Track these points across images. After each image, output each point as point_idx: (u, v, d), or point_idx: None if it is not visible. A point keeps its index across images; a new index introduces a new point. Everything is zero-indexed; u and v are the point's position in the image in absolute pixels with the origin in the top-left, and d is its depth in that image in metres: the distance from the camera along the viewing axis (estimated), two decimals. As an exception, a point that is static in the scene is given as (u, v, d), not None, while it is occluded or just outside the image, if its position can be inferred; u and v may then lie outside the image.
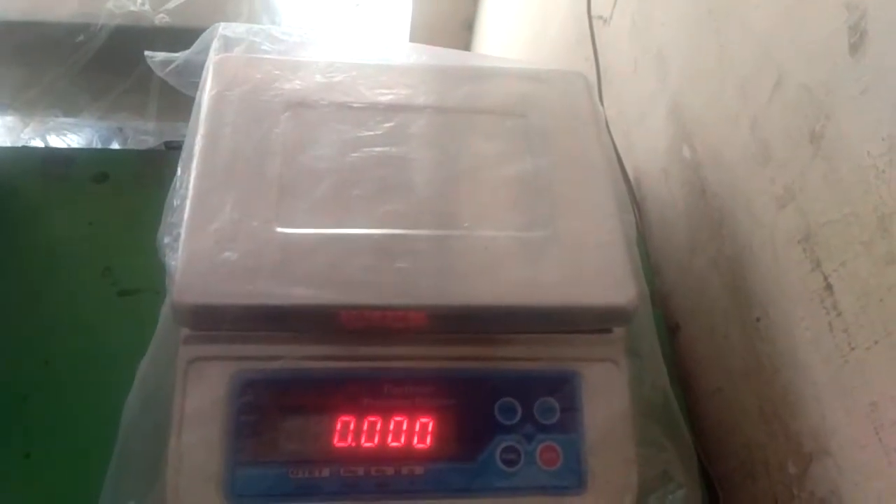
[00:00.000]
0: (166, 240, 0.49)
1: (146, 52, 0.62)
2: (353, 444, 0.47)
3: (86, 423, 0.54)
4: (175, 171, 0.52)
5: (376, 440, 0.47)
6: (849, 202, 0.47)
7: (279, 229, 0.48)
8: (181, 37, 0.62)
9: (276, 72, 0.56)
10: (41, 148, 1.23)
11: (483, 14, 2.04)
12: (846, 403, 0.48)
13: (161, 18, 1.09)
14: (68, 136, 1.30)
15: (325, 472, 0.46)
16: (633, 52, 0.84)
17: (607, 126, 0.63)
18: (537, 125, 0.57)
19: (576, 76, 0.61)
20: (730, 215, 0.63)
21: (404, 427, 0.48)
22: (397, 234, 0.49)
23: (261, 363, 0.47)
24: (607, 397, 0.50)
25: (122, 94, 1.15)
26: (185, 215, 0.48)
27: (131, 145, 1.28)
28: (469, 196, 0.53)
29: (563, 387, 0.50)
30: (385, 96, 0.56)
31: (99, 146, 1.29)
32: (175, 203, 0.50)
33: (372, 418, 0.47)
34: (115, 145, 1.31)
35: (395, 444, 0.47)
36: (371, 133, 0.54)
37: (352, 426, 0.47)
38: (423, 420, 0.48)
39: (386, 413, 0.48)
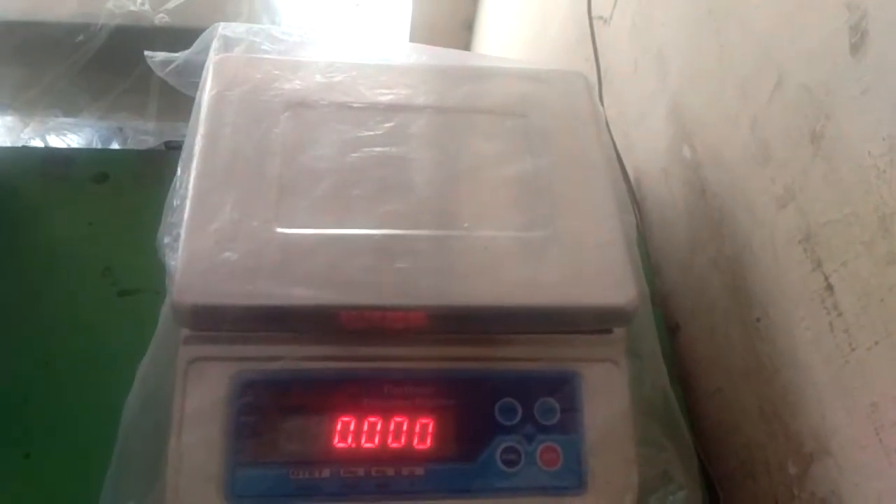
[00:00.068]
0: (166, 240, 0.49)
1: (146, 52, 0.62)
2: (354, 445, 0.47)
3: (86, 423, 0.54)
4: (175, 171, 0.52)
5: (376, 441, 0.47)
6: (849, 202, 0.47)
7: (279, 229, 0.48)
8: (181, 37, 0.62)
9: (276, 72, 0.56)
10: (41, 148, 1.23)
11: (483, 14, 2.04)
12: (847, 404, 0.48)
13: (161, 18, 1.09)
14: (68, 136, 1.30)
15: (326, 473, 0.46)
16: (633, 52, 0.84)
17: (607, 126, 0.63)
18: (537, 125, 0.56)
19: (576, 76, 0.61)
20: (730, 215, 0.62)
21: (404, 427, 0.48)
22: (397, 235, 0.49)
23: (261, 363, 0.47)
24: (607, 397, 0.50)
25: (122, 93, 1.15)
26: (185, 215, 0.48)
27: (131, 145, 1.28)
28: (469, 196, 0.53)
29: (563, 387, 0.50)
30: (385, 96, 0.56)
31: (99, 146, 1.29)
32: (175, 203, 0.50)
33: (372, 419, 0.47)
34: (115, 145, 1.31)
35: (395, 444, 0.47)
36: (371, 133, 0.54)
37: (352, 427, 0.47)
38: (424, 420, 0.48)
39: (386, 413, 0.48)
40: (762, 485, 0.58)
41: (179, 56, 0.61)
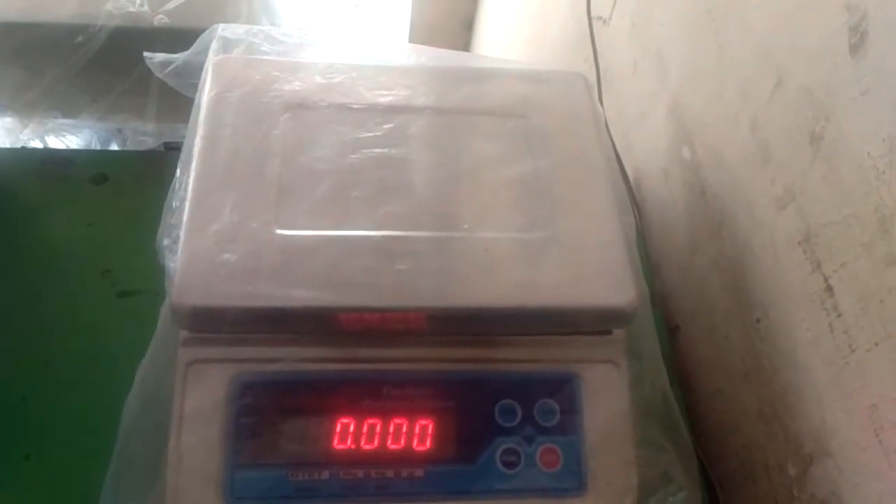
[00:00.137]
0: (166, 241, 0.49)
1: (145, 54, 0.62)
2: (353, 447, 0.47)
3: (85, 424, 0.54)
4: (174, 172, 0.52)
5: (376, 442, 0.47)
6: (849, 203, 0.47)
7: (279, 231, 0.48)
8: (180, 38, 0.62)
9: (276, 73, 0.56)
10: (40, 149, 1.23)
11: (482, 14, 2.04)
12: (846, 405, 0.48)
13: (160, 19, 1.09)
14: (67, 138, 1.29)
15: (325, 474, 0.46)
16: (632, 53, 0.84)
17: (607, 127, 0.63)
18: (537, 126, 0.56)
19: (575, 77, 0.61)
20: (730, 216, 0.62)
21: (404, 429, 0.48)
22: (397, 236, 0.49)
23: (260, 365, 0.47)
24: (607, 399, 0.50)
25: (122, 95, 1.15)
26: (185, 217, 0.48)
27: (130, 146, 1.28)
28: (469, 197, 0.53)
29: (563, 388, 0.50)
30: (385, 97, 0.56)
31: (98, 147, 1.29)
32: (174, 204, 0.50)
33: (372, 420, 0.47)
34: (115, 146, 1.30)
35: (394, 446, 0.47)
36: (371, 134, 0.54)
37: (351, 428, 0.47)
38: (423, 422, 0.48)
39: (386, 415, 0.48)
40: (762, 486, 0.58)
41: (179, 57, 0.61)
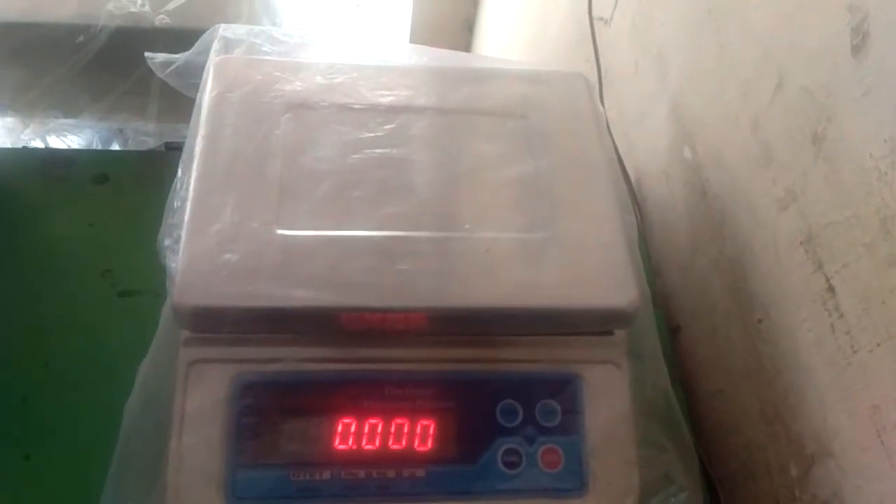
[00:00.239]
0: (167, 241, 0.49)
1: (146, 54, 0.62)
2: (354, 447, 0.47)
3: (86, 424, 0.54)
4: (175, 172, 0.52)
5: (377, 442, 0.47)
6: (851, 204, 0.47)
7: (280, 231, 0.48)
8: (181, 38, 0.62)
9: (277, 73, 0.56)
10: (41, 149, 1.23)
11: (483, 15, 2.04)
12: (848, 406, 0.48)
13: (161, 19, 1.09)
14: (68, 138, 1.30)
15: (326, 475, 0.46)
16: (633, 53, 0.84)
17: (608, 127, 0.63)
18: (538, 126, 0.56)
19: (576, 77, 0.61)
20: (731, 216, 0.62)
21: (405, 429, 0.48)
22: (398, 236, 0.49)
23: (261, 365, 0.47)
24: (608, 399, 0.50)
25: (123, 95, 1.15)
26: (186, 217, 0.48)
27: (132, 146, 1.28)
28: (470, 198, 0.53)
29: (564, 389, 0.50)
30: (386, 98, 0.56)
31: (99, 147, 1.29)
32: (175, 204, 0.50)
33: (373, 420, 0.47)
34: (116, 146, 1.31)
35: (395, 446, 0.47)
36: (372, 135, 0.54)
37: (353, 428, 0.47)
38: (424, 422, 0.48)
39: (387, 415, 0.48)
40: (763, 486, 0.58)
41: (180, 57, 0.61)
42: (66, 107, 1.19)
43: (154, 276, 0.49)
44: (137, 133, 1.27)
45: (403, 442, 0.47)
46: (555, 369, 0.50)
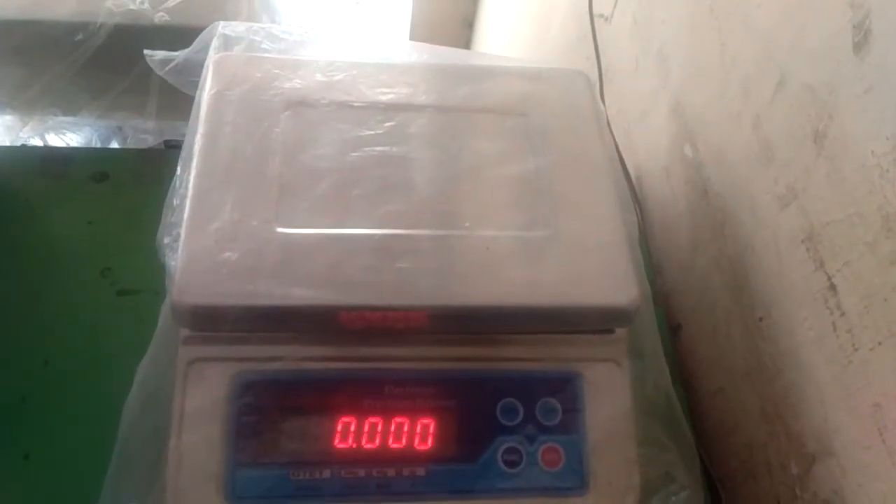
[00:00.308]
0: (166, 240, 0.49)
1: (145, 51, 0.62)
2: (354, 446, 0.47)
3: (85, 423, 0.54)
4: (175, 170, 0.52)
5: (377, 441, 0.47)
6: (852, 202, 0.47)
7: (279, 229, 0.48)
8: (181, 35, 0.62)
9: (276, 71, 0.55)
10: (40, 147, 1.23)
11: (483, 12, 2.03)
12: (849, 404, 0.48)
13: (160, 17, 1.09)
14: (67, 135, 1.29)
15: (326, 474, 0.46)
16: (634, 50, 0.84)
17: (608, 125, 0.63)
18: (538, 124, 0.56)
19: (577, 75, 0.61)
20: (732, 215, 0.62)
21: (405, 428, 0.47)
22: (398, 234, 0.49)
23: (261, 364, 0.47)
24: (609, 398, 0.50)
25: (122, 92, 1.15)
26: (185, 215, 0.48)
27: (131, 144, 1.28)
28: (470, 196, 0.53)
29: (564, 387, 0.50)
30: (386, 95, 0.56)
31: (98, 145, 1.29)
32: (175, 202, 0.50)
33: (373, 419, 0.47)
34: (115, 144, 1.30)
35: (396, 445, 0.47)
36: (372, 132, 0.53)
37: (352, 427, 0.47)
38: (425, 421, 0.48)
39: (387, 414, 0.47)
40: (764, 485, 0.57)
41: (179, 55, 0.61)
42: (65, 104, 1.18)
43: (153, 274, 0.49)
44: (136, 131, 1.27)
45: (403, 441, 0.47)
46: (555, 368, 0.50)
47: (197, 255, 0.46)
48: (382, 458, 0.47)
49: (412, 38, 2.12)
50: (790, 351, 0.54)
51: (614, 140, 0.67)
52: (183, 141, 0.53)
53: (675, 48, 0.74)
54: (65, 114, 1.21)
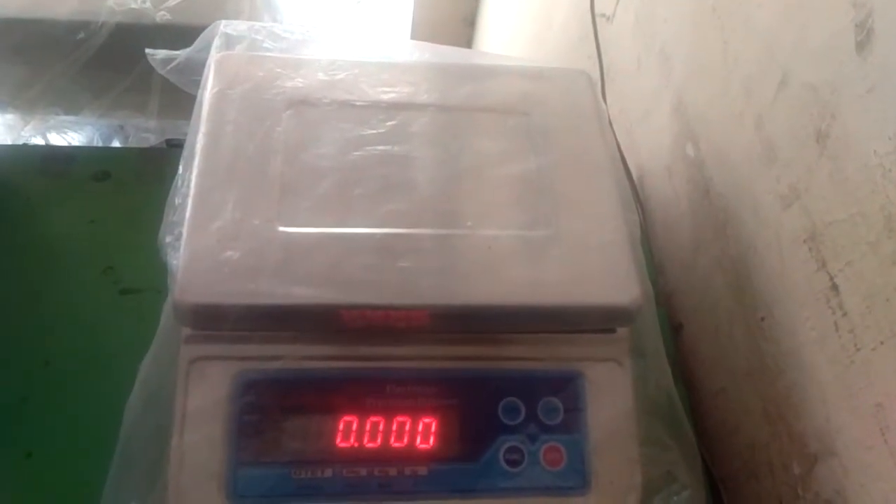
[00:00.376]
0: (168, 239, 0.49)
1: (147, 50, 0.61)
2: (356, 445, 0.47)
3: (87, 422, 0.54)
4: (176, 169, 0.52)
5: (379, 440, 0.47)
6: (855, 202, 0.47)
7: (281, 228, 0.48)
8: (182, 34, 0.62)
9: (278, 70, 0.55)
10: (42, 146, 1.23)
11: (485, 11, 2.03)
12: (852, 404, 0.48)
13: (162, 16, 1.09)
14: (69, 134, 1.29)
15: (328, 473, 0.46)
16: (636, 50, 0.84)
17: (610, 124, 0.63)
18: (540, 123, 0.56)
19: (579, 74, 0.61)
20: (734, 214, 0.62)
21: (407, 427, 0.47)
22: (400, 234, 0.49)
23: (263, 363, 0.47)
24: (611, 397, 0.50)
25: (123, 91, 1.15)
26: (187, 214, 0.48)
27: (132, 143, 1.28)
28: (472, 195, 0.52)
29: (566, 387, 0.49)
30: (387, 94, 0.56)
31: (100, 144, 1.29)
32: (177, 202, 0.50)
33: (374, 418, 0.47)
34: (117, 143, 1.30)
35: (397, 444, 0.47)
36: (373, 131, 0.53)
37: (354, 426, 0.47)
38: (426, 420, 0.48)
39: (389, 413, 0.47)
40: (766, 485, 0.57)
41: (181, 54, 0.60)
42: (66, 103, 1.18)
43: (155, 273, 0.49)
44: (138, 130, 1.27)
45: (405, 440, 0.47)
46: (557, 367, 0.50)
47: (199, 254, 0.46)
48: (384, 457, 0.47)
49: (413, 37, 2.12)
50: (792, 351, 0.54)
51: (616, 139, 0.66)
52: (185, 140, 0.53)
53: (677, 47, 0.74)
54: (66, 113, 1.21)
